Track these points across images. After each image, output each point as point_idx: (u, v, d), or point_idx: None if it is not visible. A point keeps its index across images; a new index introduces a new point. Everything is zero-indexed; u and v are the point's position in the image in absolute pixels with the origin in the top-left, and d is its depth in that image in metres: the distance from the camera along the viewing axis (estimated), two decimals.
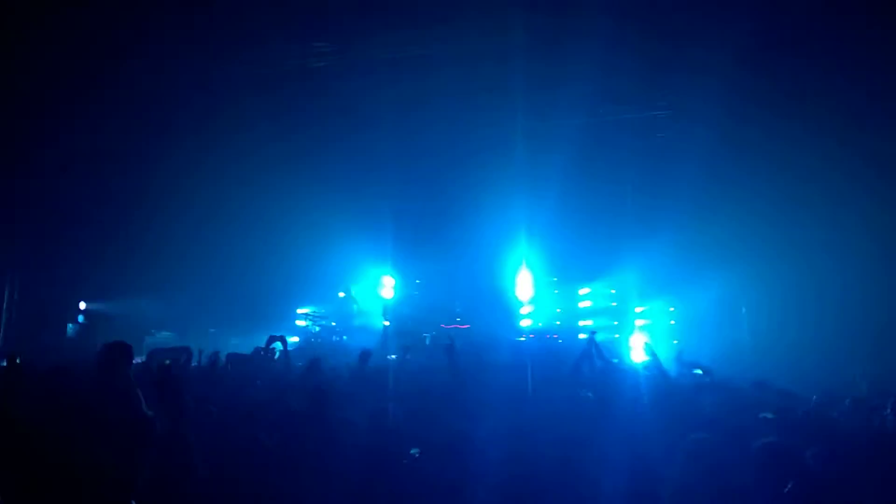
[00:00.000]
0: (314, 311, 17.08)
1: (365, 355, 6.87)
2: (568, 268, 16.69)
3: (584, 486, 4.26)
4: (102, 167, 15.79)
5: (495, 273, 16.52)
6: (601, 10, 12.00)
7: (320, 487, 3.90)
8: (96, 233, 16.50)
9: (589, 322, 16.02)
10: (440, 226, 16.56)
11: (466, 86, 14.25)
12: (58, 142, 15.26)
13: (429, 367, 8.49)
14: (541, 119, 14.65)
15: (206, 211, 16.72)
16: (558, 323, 16.45)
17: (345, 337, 16.09)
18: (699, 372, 7.58)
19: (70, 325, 17.78)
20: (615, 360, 7.38)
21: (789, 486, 3.58)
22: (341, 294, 17.60)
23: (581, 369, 6.81)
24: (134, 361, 10.73)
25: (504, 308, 16.11)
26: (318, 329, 16.48)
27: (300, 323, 16.97)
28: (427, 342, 14.67)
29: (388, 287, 17.21)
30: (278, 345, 8.05)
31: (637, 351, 10.09)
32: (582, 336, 15.44)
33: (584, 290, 16.80)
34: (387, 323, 16.58)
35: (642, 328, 15.54)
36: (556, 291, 16.94)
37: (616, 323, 15.79)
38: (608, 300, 16.53)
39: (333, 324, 16.74)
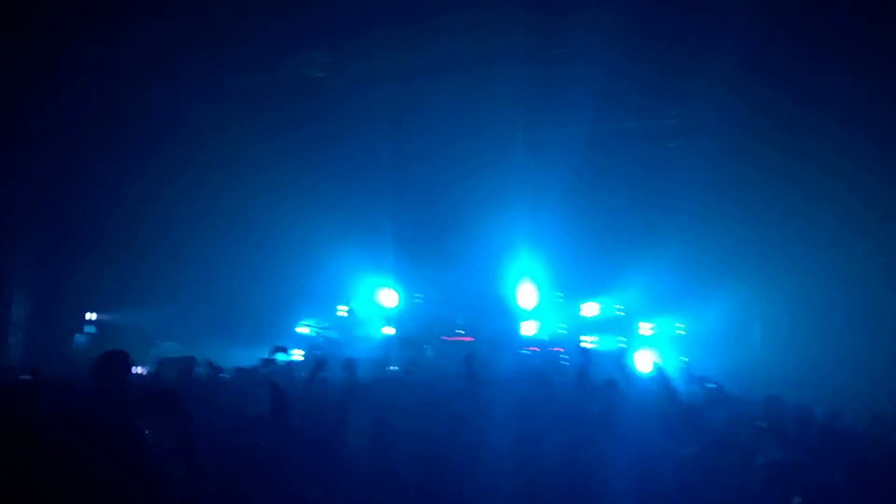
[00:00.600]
0: (316, 323, 17.03)
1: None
2: (572, 282, 16.59)
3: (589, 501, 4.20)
4: (110, 179, 15.88)
5: (498, 285, 16.45)
6: (607, 16, 12.00)
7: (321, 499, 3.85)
8: (104, 244, 16.59)
9: (594, 337, 15.91)
10: (442, 237, 16.52)
11: (468, 94, 14.26)
12: (67, 152, 15.35)
13: (431, 380, 8.44)
14: (544, 128, 14.62)
15: (212, 223, 16.79)
16: (562, 336, 16.32)
17: (347, 350, 16.00)
18: (710, 386, 7.51)
19: (77, 336, 17.81)
20: (624, 372, 7.31)
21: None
22: (342, 308, 17.56)
23: (584, 383, 6.74)
24: (142, 371, 10.75)
25: (507, 321, 16.02)
26: (321, 341, 16.42)
27: (301, 330, 16.92)
28: (429, 354, 14.59)
29: (389, 299, 17.15)
30: (281, 354, 8.02)
31: (643, 365, 10.00)
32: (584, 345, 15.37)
33: (588, 305, 16.68)
34: (389, 333, 16.52)
35: (649, 343, 15.41)
36: (561, 305, 16.83)
37: (622, 338, 15.66)
38: (613, 315, 16.40)
39: (336, 336, 16.67)
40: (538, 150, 14.69)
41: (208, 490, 3.65)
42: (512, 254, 16.07)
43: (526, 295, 16.34)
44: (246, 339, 15.35)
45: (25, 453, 3.80)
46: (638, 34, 12.62)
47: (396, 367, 10.99)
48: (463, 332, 15.65)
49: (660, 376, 7.03)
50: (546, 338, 16.02)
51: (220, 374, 8.12)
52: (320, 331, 16.83)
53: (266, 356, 8.18)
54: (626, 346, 15.22)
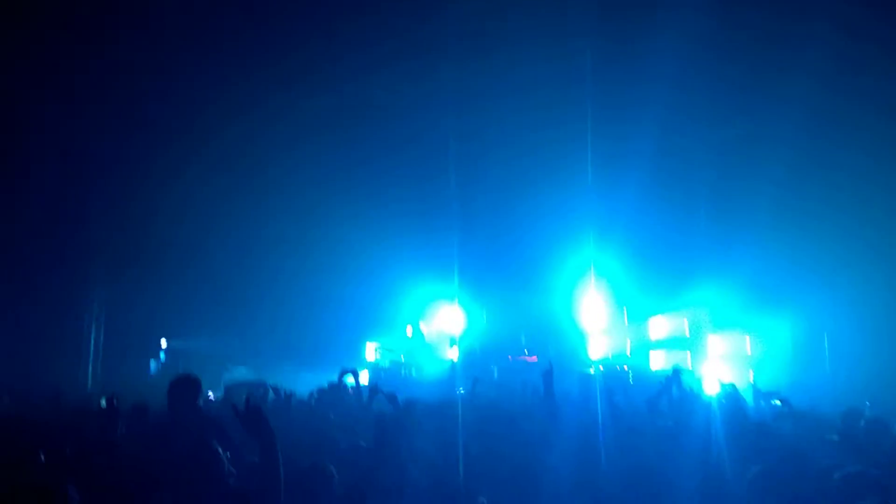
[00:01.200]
0: (383, 345, 17.27)
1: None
2: (639, 297, 16.43)
3: None
4: (182, 207, 16.42)
5: (563, 304, 16.40)
6: (677, 28, 11.90)
7: None
8: (177, 271, 17.15)
9: (661, 352, 15.71)
10: (508, 255, 16.57)
11: (535, 112, 14.29)
12: (137, 181, 15.94)
13: (498, 400, 8.48)
14: (612, 143, 14.52)
15: (282, 248, 17.21)
16: (629, 354, 16.17)
17: (413, 371, 16.17)
18: (777, 402, 7.37)
19: (152, 361, 18.45)
20: (690, 390, 7.21)
21: None
22: (409, 328, 17.74)
23: (659, 402, 6.69)
24: (213, 397, 11.08)
25: (572, 339, 15.94)
26: (388, 364, 16.64)
27: (370, 356, 17.17)
28: (495, 375, 14.61)
29: (456, 320, 17.27)
30: (349, 378, 8.17)
31: (711, 382, 9.85)
32: (655, 368, 15.15)
33: (655, 320, 16.48)
34: (455, 354, 16.61)
35: (717, 359, 15.13)
36: (626, 322, 16.67)
37: (688, 353, 15.41)
38: (681, 331, 16.16)
39: (403, 357, 16.86)
40: (607, 165, 14.60)
41: None
42: (577, 272, 16.01)
43: (591, 313, 16.24)
44: (314, 363, 15.65)
45: (106, 477, 4.00)
46: (711, 41, 12.49)
47: (463, 389, 11.04)
48: (527, 353, 15.63)
49: (727, 393, 6.94)
50: (612, 356, 15.89)
51: (290, 398, 8.33)
52: (387, 353, 17.05)
53: (335, 380, 8.34)
54: (693, 362, 14.99)
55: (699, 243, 15.10)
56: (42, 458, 4.28)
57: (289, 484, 3.71)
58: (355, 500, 4.05)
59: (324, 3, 12.89)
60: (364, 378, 14.03)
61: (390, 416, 6.02)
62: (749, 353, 15.17)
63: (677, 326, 16.21)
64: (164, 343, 18.59)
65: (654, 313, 16.45)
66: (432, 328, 17.85)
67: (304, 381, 13.54)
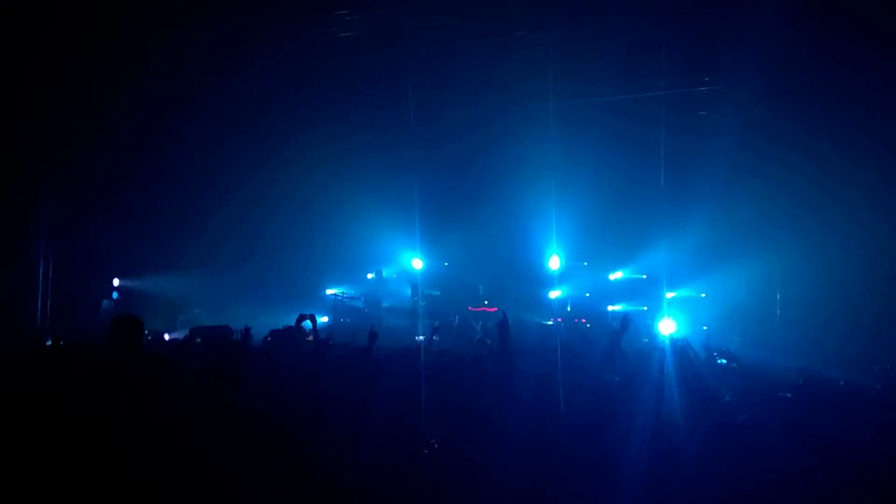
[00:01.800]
0: (343, 292, 17.21)
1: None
2: (598, 251, 16.59)
3: (607, 470, 4.26)
4: (137, 145, 15.98)
5: (524, 256, 16.48)
6: None
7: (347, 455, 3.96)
8: (130, 210, 16.74)
9: (618, 307, 15.95)
10: (469, 207, 16.55)
11: (499, 60, 14.14)
12: (97, 118, 15.43)
13: (455, 348, 8.55)
14: (574, 97, 14.51)
15: (238, 190, 16.90)
16: (587, 305, 16.38)
17: (373, 317, 16.20)
18: (723, 361, 7.55)
19: (104, 302, 18.09)
20: (645, 340, 7.35)
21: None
22: (370, 275, 17.70)
23: (613, 351, 6.78)
24: (170, 338, 10.93)
25: (532, 291, 16.08)
26: (346, 308, 16.62)
27: (330, 292, 17.11)
28: (455, 324, 14.71)
29: (416, 268, 17.27)
30: (308, 323, 8.11)
31: (666, 336, 10.06)
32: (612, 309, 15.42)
33: (614, 275, 16.69)
34: (414, 300, 16.66)
35: (672, 312, 15.44)
36: (586, 275, 16.86)
37: (646, 307, 15.69)
38: (639, 284, 16.41)
39: (362, 303, 16.86)
40: (568, 119, 14.61)
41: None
42: (538, 222, 16.07)
43: (551, 266, 16.37)
44: (273, 307, 15.56)
45: (49, 418, 3.92)
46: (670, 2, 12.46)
47: (422, 336, 11.11)
48: (487, 303, 15.74)
49: (680, 347, 7.06)
50: (571, 307, 16.09)
51: (248, 340, 8.26)
52: (346, 298, 17.02)
53: (292, 324, 8.27)
54: (650, 314, 15.27)
55: (658, 199, 15.28)
56: None
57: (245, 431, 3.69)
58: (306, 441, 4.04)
59: None
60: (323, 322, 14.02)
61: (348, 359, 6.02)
62: (703, 310, 15.49)
63: (635, 282, 16.45)
64: (116, 283, 18.22)
65: (613, 269, 16.65)
66: (392, 275, 17.84)
67: (263, 325, 13.47)
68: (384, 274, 17.67)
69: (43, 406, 4.08)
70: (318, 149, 15.93)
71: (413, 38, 13.81)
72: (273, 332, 8.44)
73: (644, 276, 16.30)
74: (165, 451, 3.56)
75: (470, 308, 15.55)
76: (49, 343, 5.92)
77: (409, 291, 17.20)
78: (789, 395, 6.03)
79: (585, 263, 16.87)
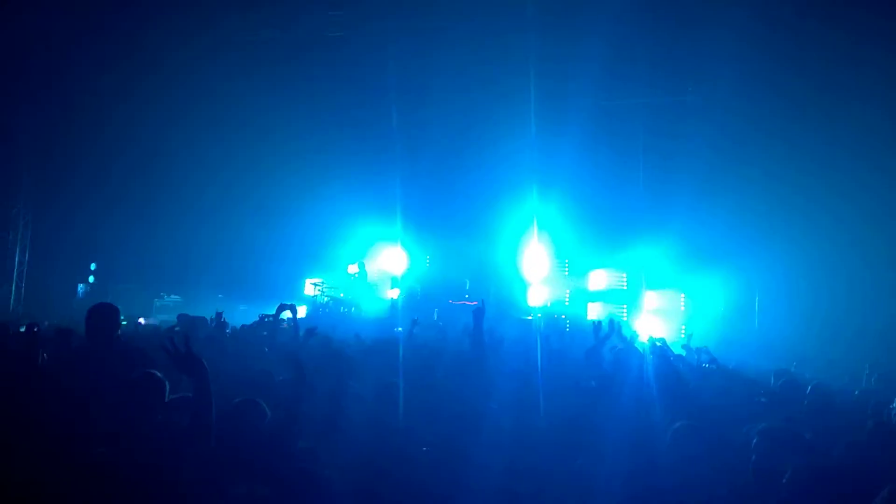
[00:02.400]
0: (324, 282, 17.11)
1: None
2: (579, 251, 16.64)
3: (585, 473, 4.24)
4: (116, 127, 15.82)
5: (506, 252, 16.50)
6: None
7: (326, 456, 3.91)
8: (107, 193, 16.57)
9: (598, 304, 16.01)
10: (452, 203, 16.55)
11: (482, 61, 14.18)
12: (72, 98, 15.27)
13: (435, 342, 8.51)
14: (557, 99, 14.57)
15: (220, 176, 16.77)
16: (567, 304, 16.44)
17: (353, 308, 16.12)
18: (706, 366, 7.58)
19: (80, 285, 17.89)
20: (627, 338, 7.34)
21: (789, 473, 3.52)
22: (352, 267, 17.62)
23: (598, 351, 6.78)
24: (144, 323, 10.75)
25: (513, 287, 16.10)
26: (326, 300, 16.52)
27: (309, 292, 17.02)
28: (435, 317, 14.68)
29: (398, 261, 17.22)
30: (286, 313, 8.04)
31: (645, 336, 10.10)
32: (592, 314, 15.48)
33: (594, 274, 16.74)
34: (395, 295, 16.61)
35: (651, 314, 15.53)
36: (567, 273, 16.90)
37: (625, 307, 15.77)
38: (619, 285, 16.49)
39: (342, 295, 16.76)
40: (550, 121, 14.67)
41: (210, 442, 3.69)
42: (521, 223, 16.10)
43: (532, 263, 16.39)
44: (252, 297, 15.48)
45: (21, 403, 3.83)
46: (654, 10, 12.57)
47: (401, 329, 11.06)
48: (468, 297, 15.72)
49: (658, 348, 7.08)
50: (551, 305, 16.13)
51: (223, 327, 8.20)
52: (327, 290, 16.93)
53: (272, 313, 8.21)
54: (629, 315, 15.35)
55: (638, 202, 15.41)
56: None
57: (220, 419, 3.62)
58: (286, 436, 3.98)
59: None
60: (302, 313, 13.92)
61: (325, 353, 5.96)
62: (682, 309, 15.59)
63: (615, 281, 16.51)
64: (93, 267, 18.02)
65: (594, 267, 16.70)
66: (374, 267, 17.76)
67: (241, 315, 13.39)
68: (366, 266, 17.59)
69: (15, 394, 3.99)
70: (301, 141, 15.86)
71: (396, 38, 13.85)
72: (253, 324, 8.35)
73: (624, 276, 16.37)
74: (137, 441, 3.49)
75: (451, 301, 15.52)
76: (23, 329, 5.78)
77: (390, 284, 17.16)
78: (764, 399, 6.06)
79: (566, 261, 16.89)
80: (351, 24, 14.46)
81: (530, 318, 14.55)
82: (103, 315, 4.90)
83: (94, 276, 17.98)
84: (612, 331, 6.70)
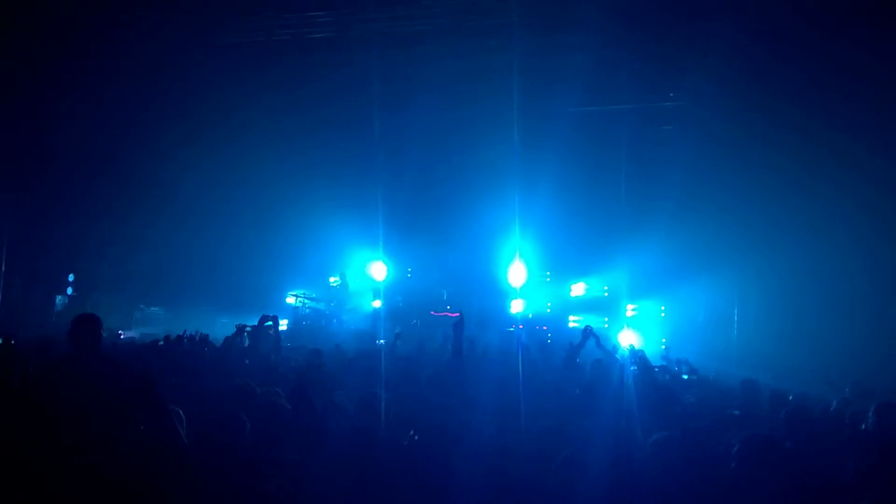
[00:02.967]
0: (305, 294, 17.05)
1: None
2: (560, 262, 16.71)
3: (566, 481, 4.26)
4: (97, 138, 15.69)
5: (487, 263, 16.52)
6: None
7: (309, 470, 3.91)
8: (88, 206, 16.41)
9: (579, 317, 16.07)
10: (433, 214, 16.58)
11: (463, 72, 14.23)
12: (52, 109, 15.14)
13: (417, 353, 8.52)
14: (537, 109, 14.65)
15: (201, 189, 16.66)
16: (548, 312, 16.49)
17: (335, 321, 16.09)
18: (685, 376, 7.65)
19: (58, 297, 17.67)
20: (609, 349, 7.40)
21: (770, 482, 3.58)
22: (333, 279, 17.59)
23: (573, 362, 6.83)
24: (123, 336, 10.64)
25: (494, 298, 16.11)
26: (307, 311, 16.47)
27: (290, 301, 16.93)
28: (417, 329, 14.68)
29: (379, 273, 17.19)
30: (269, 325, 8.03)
31: (625, 347, 10.17)
32: (573, 324, 15.54)
33: (576, 285, 16.83)
34: (377, 306, 16.59)
35: (632, 325, 15.61)
36: (548, 283, 16.98)
37: (606, 319, 15.85)
38: (600, 296, 16.58)
39: (322, 307, 16.73)
40: (531, 132, 14.74)
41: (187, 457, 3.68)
42: (502, 233, 16.14)
43: (514, 273, 16.43)
44: (233, 309, 15.36)
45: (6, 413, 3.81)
46: (635, 17, 12.66)
47: (383, 340, 11.06)
48: (450, 308, 15.74)
49: (638, 359, 7.14)
50: (532, 316, 16.16)
51: (204, 343, 8.15)
52: (308, 301, 16.87)
53: (254, 325, 8.17)
54: (610, 326, 15.42)
55: (619, 214, 15.49)
56: None
57: (199, 435, 3.63)
58: (268, 449, 3.99)
59: None
60: (284, 326, 13.87)
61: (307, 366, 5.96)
62: (662, 320, 15.70)
63: (596, 292, 16.61)
64: (72, 278, 17.81)
65: (575, 279, 16.79)
66: (356, 280, 17.74)
67: (222, 327, 13.29)
68: (347, 278, 17.56)
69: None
70: (284, 154, 15.82)
71: (379, 45, 13.89)
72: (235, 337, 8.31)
73: (605, 289, 16.46)
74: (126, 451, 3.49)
75: (433, 313, 15.53)
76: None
77: (371, 296, 17.14)
78: (737, 412, 6.13)
79: (548, 272, 16.97)
80: (333, 30, 14.44)
81: (513, 328, 14.58)
82: (89, 325, 4.88)
83: (73, 288, 17.77)
84: (585, 339, 6.76)
